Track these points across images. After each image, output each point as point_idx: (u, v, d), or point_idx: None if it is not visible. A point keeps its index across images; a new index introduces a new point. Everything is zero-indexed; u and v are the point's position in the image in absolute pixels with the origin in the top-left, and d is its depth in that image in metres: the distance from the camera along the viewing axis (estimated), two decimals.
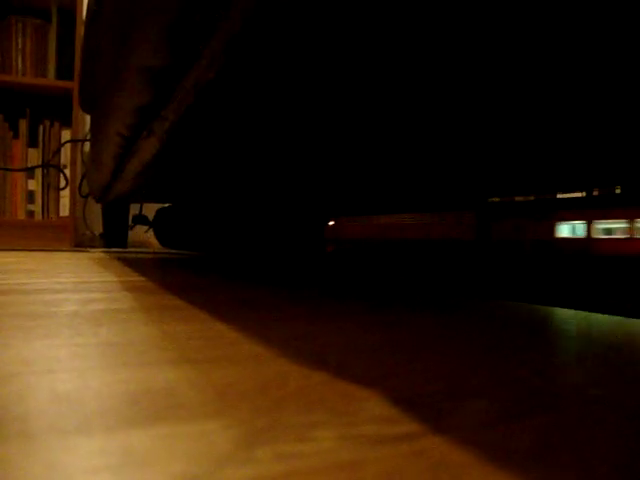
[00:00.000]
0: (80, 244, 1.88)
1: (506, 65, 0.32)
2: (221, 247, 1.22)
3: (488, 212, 0.52)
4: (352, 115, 0.42)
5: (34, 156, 1.76)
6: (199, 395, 0.16)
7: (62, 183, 1.78)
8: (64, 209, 1.79)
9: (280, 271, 0.61)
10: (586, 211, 0.43)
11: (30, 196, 1.76)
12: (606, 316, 0.31)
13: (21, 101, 1.80)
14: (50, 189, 1.77)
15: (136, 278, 0.57)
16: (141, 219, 1.73)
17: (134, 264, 0.86)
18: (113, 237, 1.65)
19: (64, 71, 1.77)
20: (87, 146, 1.71)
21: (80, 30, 1.68)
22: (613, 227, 0.39)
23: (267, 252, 1.03)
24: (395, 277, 0.54)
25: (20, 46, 1.72)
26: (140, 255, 1.21)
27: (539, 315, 0.33)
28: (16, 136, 1.75)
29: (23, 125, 1.75)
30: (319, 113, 0.45)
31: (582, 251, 0.40)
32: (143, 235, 2.01)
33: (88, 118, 1.80)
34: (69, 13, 1.76)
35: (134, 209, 1.85)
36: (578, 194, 0.47)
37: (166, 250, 1.60)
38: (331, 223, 0.85)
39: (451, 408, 0.15)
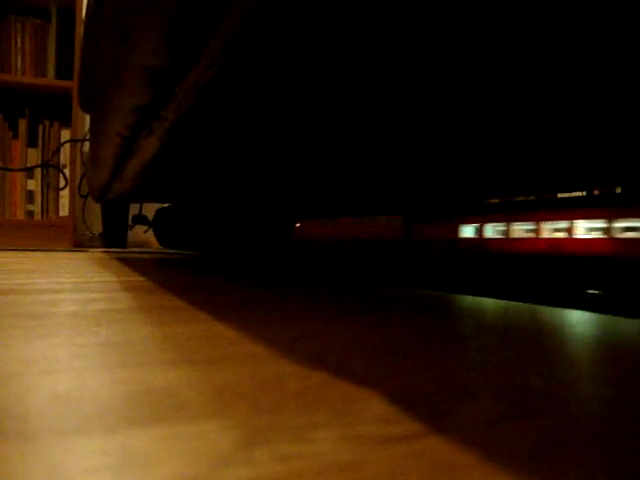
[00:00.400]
0: (80, 244, 1.88)
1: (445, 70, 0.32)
2: (218, 247, 1.27)
3: (411, 216, 0.64)
4: (338, 119, 0.42)
5: (33, 156, 1.76)
6: (199, 395, 0.16)
7: (61, 183, 1.78)
8: (63, 209, 1.79)
9: (261, 269, 0.68)
10: (481, 216, 0.55)
11: (29, 196, 1.76)
12: (492, 300, 0.39)
13: (20, 101, 1.80)
14: (49, 189, 1.77)
15: (136, 278, 0.57)
16: (141, 219, 1.73)
17: (134, 264, 0.86)
18: (113, 237, 1.65)
19: (64, 71, 1.77)
20: (87, 146, 1.71)
21: (80, 30, 1.68)
22: (504, 229, 0.51)
23: (247, 251, 1.14)
24: (344, 271, 0.64)
25: (20, 46, 1.72)
26: (140, 255, 1.21)
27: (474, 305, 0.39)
28: (15, 136, 1.75)
29: (22, 125, 1.75)
30: (305, 117, 0.44)
31: (478, 248, 0.51)
32: (143, 235, 2.01)
33: (87, 118, 1.80)
34: (69, 13, 1.76)
35: (134, 209, 1.85)
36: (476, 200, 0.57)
37: (166, 250, 1.60)
38: (297, 225, 0.97)
39: (451, 408, 0.15)
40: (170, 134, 0.52)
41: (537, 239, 0.46)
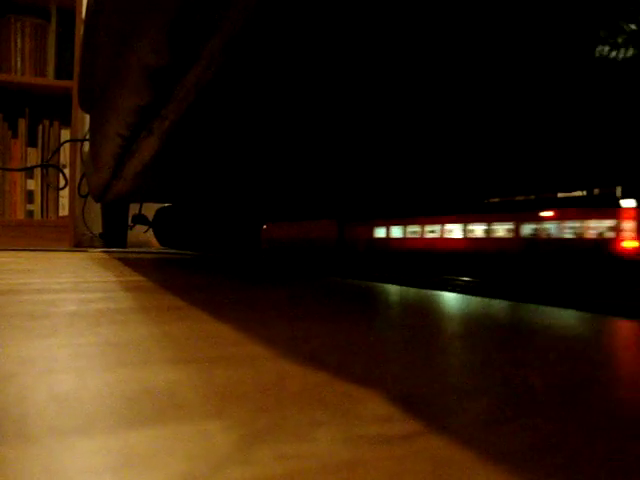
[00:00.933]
0: (79, 244, 1.88)
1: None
2: (213, 247, 1.34)
3: (342, 220, 0.81)
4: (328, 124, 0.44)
5: (33, 156, 1.76)
6: (199, 395, 0.16)
7: (61, 183, 1.78)
8: (63, 209, 1.79)
9: (241, 266, 0.79)
10: (388, 220, 0.70)
11: (29, 196, 1.76)
12: (404, 287, 0.49)
13: (20, 101, 1.80)
14: (49, 189, 1.77)
15: (135, 278, 0.57)
16: (141, 219, 1.73)
17: (133, 264, 0.86)
18: (112, 237, 1.65)
19: (63, 71, 1.77)
20: (86, 146, 1.71)
21: (80, 29, 1.68)
22: (408, 230, 0.67)
23: (229, 250, 1.31)
24: (299, 265, 0.79)
25: (19, 45, 1.72)
26: (139, 255, 1.21)
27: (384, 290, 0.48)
28: (15, 136, 1.75)
29: (22, 125, 1.75)
30: (293, 120, 0.45)
31: (385, 245, 0.68)
32: (143, 235, 2.01)
33: (87, 118, 1.80)
34: (69, 12, 1.76)
35: (134, 209, 1.85)
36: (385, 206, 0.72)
37: (166, 250, 1.60)
38: (264, 227, 1.13)
39: (452, 408, 0.15)
40: (170, 134, 0.52)
41: (421, 239, 0.64)
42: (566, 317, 0.30)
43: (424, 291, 0.46)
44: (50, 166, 1.74)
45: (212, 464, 0.11)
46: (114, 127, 0.61)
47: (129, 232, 1.74)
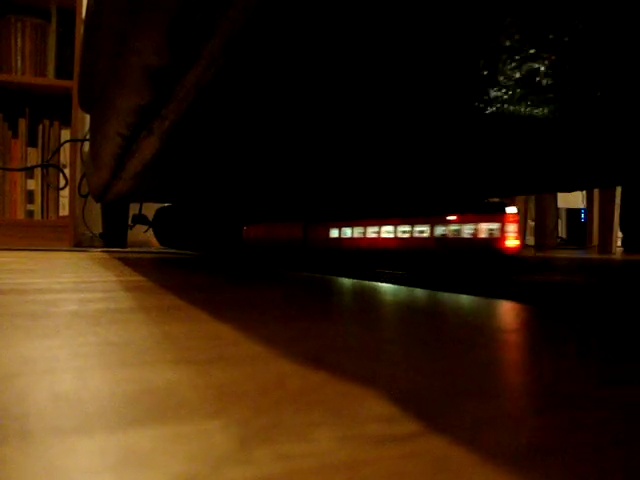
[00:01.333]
0: (80, 244, 1.88)
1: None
2: (213, 246, 1.43)
3: (306, 222, 0.93)
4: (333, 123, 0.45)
5: (33, 156, 1.76)
6: (199, 395, 0.16)
7: (62, 183, 1.78)
8: (63, 209, 1.79)
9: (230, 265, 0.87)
10: (339, 222, 0.82)
11: (29, 196, 1.76)
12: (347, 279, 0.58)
13: (20, 100, 1.80)
14: (49, 189, 1.77)
15: (136, 278, 0.57)
16: (141, 219, 1.73)
17: (134, 264, 0.86)
18: (113, 237, 1.65)
19: (63, 70, 1.77)
20: (87, 146, 1.71)
21: (80, 29, 1.68)
22: (354, 231, 0.79)
23: (219, 249, 1.43)
24: (274, 262, 0.93)
25: (19, 45, 1.72)
26: (139, 255, 1.21)
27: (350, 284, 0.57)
28: (15, 135, 1.75)
29: (22, 124, 1.75)
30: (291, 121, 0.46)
31: (338, 244, 0.80)
32: (143, 235, 2.01)
33: (87, 118, 1.80)
34: (69, 12, 1.76)
35: (134, 209, 1.85)
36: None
37: (166, 250, 1.60)
38: (245, 228, 1.25)
39: (452, 408, 0.15)
40: (170, 134, 0.52)
41: (364, 239, 0.77)
42: (464, 301, 0.40)
43: (365, 282, 0.55)
44: (50, 166, 1.74)
45: (212, 464, 0.11)
46: (114, 127, 0.61)
47: (129, 232, 1.74)
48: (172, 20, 0.32)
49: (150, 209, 1.93)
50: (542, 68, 0.31)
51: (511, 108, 0.38)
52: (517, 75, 0.32)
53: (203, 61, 0.34)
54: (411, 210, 0.68)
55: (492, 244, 0.56)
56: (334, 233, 0.83)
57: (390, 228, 0.70)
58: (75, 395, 0.16)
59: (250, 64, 0.33)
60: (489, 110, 0.39)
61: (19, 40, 1.72)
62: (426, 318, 0.32)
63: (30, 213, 1.76)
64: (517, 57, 0.29)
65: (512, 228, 0.57)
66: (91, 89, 0.74)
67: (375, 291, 0.46)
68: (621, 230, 1.84)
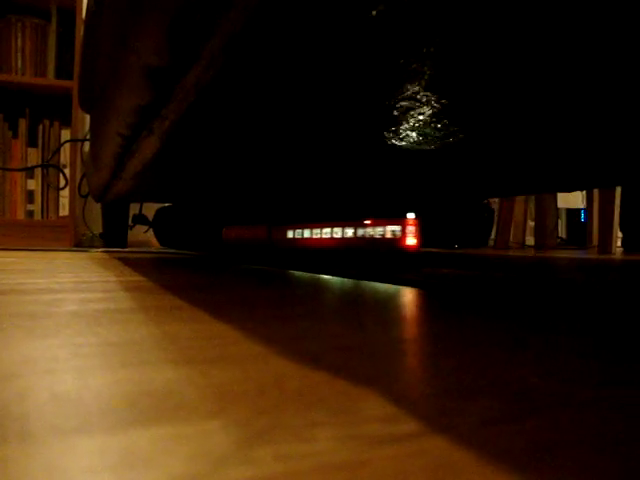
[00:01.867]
0: (80, 244, 1.88)
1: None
2: (209, 246, 1.53)
3: (270, 224, 1.08)
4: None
5: (34, 156, 1.76)
6: (199, 395, 0.16)
7: (62, 183, 1.78)
8: (64, 209, 1.79)
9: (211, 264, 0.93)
10: (295, 225, 0.96)
11: (30, 196, 1.76)
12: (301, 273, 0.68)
13: (21, 101, 1.80)
14: (50, 189, 1.77)
15: (136, 278, 0.57)
16: (141, 219, 1.73)
17: (134, 264, 0.86)
18: (113, 237, 1.65)
19: (64, 71, 1.77)
20: (87, 146, 1.71)
21: (80, 30, 1.68)
22: (305, 232, 0.94)
23: (203, 248, 1.57)
24: (248, 260, 1.01)
25: (20, 45, 1.72)
26: (139, 255, 1.21)
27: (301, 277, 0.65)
28: (15, 136, 1.75)
29: (22, 125, 1.75)
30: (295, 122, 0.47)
31: (292, 243, 0.94)
32: (143, 235, 2.01)
33: (88, 118, 1.80)
34: (69, 12, 1.76)
35: (134, 209, 1.85)
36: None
37: (166, 250, 1.60)
38: (224, 229, 1.38)
39: (451, 407, 0.15)
40: (170, 134, 0.52)
41: (312, 238, 0.91)
42: (378, 287, 0.52)
43: (315, 275, 0.67)
44: (50, 166, 1.74)
45: (212, 464, 0.11)
46: (114, 127, 0.61)
47: (129, 232, 1.74)
48: (172, 20, 0.32)
49: (150, 209, 1.93)
50: (428, 115, 0.45)
51: (410, 142, 0.56)
52: (411, 121, 0.47)
53: (203, 61, 0.34)
54: (342, 215, 0.89)
55: (395, 243, 0.72)
56: (290, 234, 1.01)
57: (328, 230, 0.89)
58: (75, 395, 0.16)
59: (250, 64, 0.33)
60: (401, 144, 0.57)
61: (19, 40, 1.72)
62: (347, 300, 0.41)
63: (30, 213, 1.76)
64: (414, 113, 0.44)
65: (411, 230, 0.71)
66: (91, 89, 0.74)
67: (318, 282, 0.58)
68: (621, 230, 1.84)
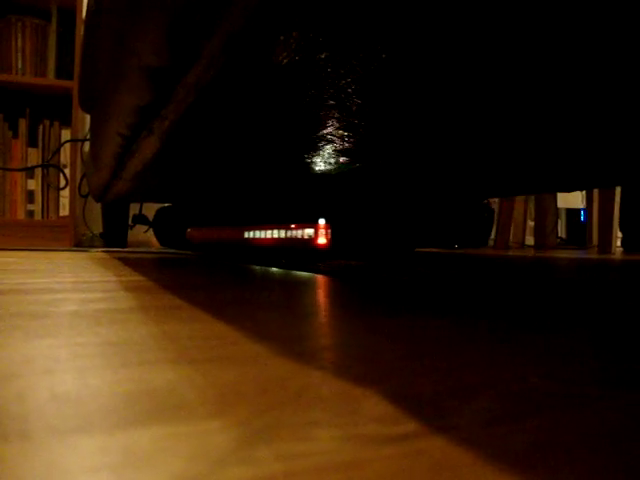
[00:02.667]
0: (80, 244, 1.88)
1: None
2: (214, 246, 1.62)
3: (241, 226, 1.22)
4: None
5: (34, 156, 1.76)
6: (199, 395, 0.16)
7: (62, 183, 1.78)
8: (64, 209, 1.79)
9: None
10: (245, 226, 1.14)
11: (30, 196, 1.76)
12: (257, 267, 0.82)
13: (21, 101, 1.80)
14: (50, 189, 1.77)
15: (136, 278, 0.57)
16: (141, 219, 1.73)
17: (134, 264, 0.86)
18: (113, 237, 1.65)
19: (64, 70, 1.77)
20: (87, 146, 1.71)
21: (80, 30, 1.68)
22: (252, 233, 1.13)
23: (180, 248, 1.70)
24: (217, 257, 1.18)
25: (20, 45, 1.72)
26: (140, 255, 1.21)
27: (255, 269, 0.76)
28: (16, 136, 1.75)
29: (23, 125, 1.75)
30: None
31: (248, 242, 1.13)
32: (143, 235, 2.01)
33: (88, 118, 1.80)
34: (69, 12, 1.76)
35: (134, 209, 1.85)
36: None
37: (166, 250, 1.60)
38: (188, 230, 1.49)
39: (451, 408, 0.15)
40: (170, 134, 0.52)
41: (258, 238, 1.09)
42: (297, 274, 0.67)
43: (263, 267, 0.83)
44: (50, 166, 1.74)
45: (212, 463, 0.11)
46: (114, 127, 0.61)
47: (129, 232, 1.74)
48: (172, 20, 0.32)
49: (150, 209, 1.93)
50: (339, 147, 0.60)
51: (322, 168, 0.77)
52: (324, 153, 0.64)
53: (203, 61, 0.34)
54: (275, 220, 1.10)
55: (311, 242, 0.94)
56: (248, 234, 1.23)
57: (267, 231, 1.09)
58: (75, 395, 0.16)
59: (250, 64, 0.33)
60: (316, 169, 0.79)
61: (19, 40, 1.72)
62: (275, 282, 0.56)
63: (30, 213, 1.76)
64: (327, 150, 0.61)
65: (322, 232, 0.94)
66: (91, 89, 0.74)
67: (262, 271, 0.73)
68: (621, 230, 1.84)
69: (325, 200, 1.04)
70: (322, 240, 0.91)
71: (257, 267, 0.82)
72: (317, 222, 0.93)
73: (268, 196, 1.14)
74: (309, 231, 0.94)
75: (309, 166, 0.75)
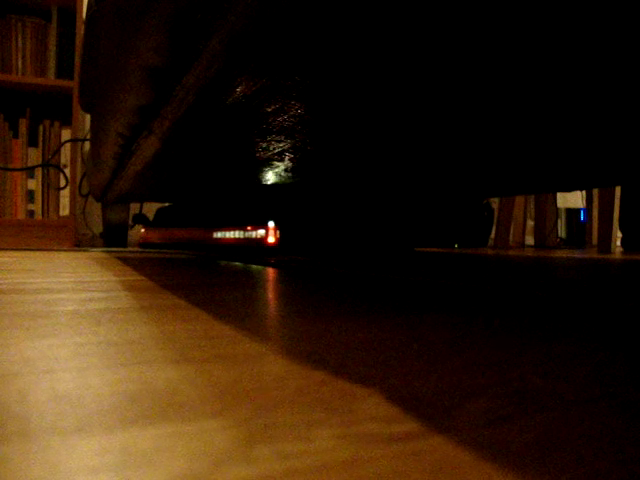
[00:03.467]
0: (80, 243, 1.88)
1: None
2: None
3: (205, 227, 1.42)
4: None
5: (34, 156, 1.76)
6: (199, 394, 0.16)
7: (62, 183, 1.78)
8: (64, 209, 1.79)
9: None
10: (213, 228, 1.36)
11: (30, 196, 1.76)
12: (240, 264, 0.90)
13: (21, 100, 1.80)
14: (50, 189, 1.77)
15: (136, 277, 0.57)
16: (141, 219, 1.73)
17: (134, 263, 0.86)
18: (113, 237, 1.65)
19: (64, 70, 1.77)
20: (87, 145, 1.71)
21: (80, 30, 1.68)
22: (217, 234, 1.35)
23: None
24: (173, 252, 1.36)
25: (20, 45, 1.72)
26: (140, 255, 1.21)
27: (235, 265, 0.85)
28: (16, 136, 1.75)
29: (23, 125, 1.75)
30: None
31: (214, 241, 1.37)
32: None
33: (88, 117, 1.80)
34: (69, 12, 1.76)
35: (134, 209, 1.85)
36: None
37: (166, 250, 1.60)
38: (142, 230, 1.62)
39: (451, 407, 0.15)
40: (170, 133, 0.52)
41: (222, 237, 1.29)
42: (252, 267, 0.79)
43: (229, 262, 0.94)
44: (51, 166, 1.74)
45: (212, 463, 0.11)
46: (115, 127, 0.61)
47: (129, 232, 1.75)
48: (172, 20, 0.32)
49: (150, 209, 1.93)
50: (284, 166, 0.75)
51: (272, 179, 0.95)
52: (273, 169, 0.80)
53: (203, 61, 0.34)
54: (236, 223, 1.27)
55: (262, 241, 1.13)
56: (214, 235, 1.37)
57: (228, 232, 1.27)
58: (75, 394, 0.16)
59: (250, 64, 0.33)
60: (266, 181, 0.99)
61: (20, 40, 1.72)
62: (233, 271, 0.64)
63: (31, 213, 1.76)
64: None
65: (271, 233, 1.12)
66: (91, 89, 0.74)
67: (225, 264, 0.86)
68: (620, 229, 1.84)
69: (275, 206, 1.21)
70: (271, 239, 1.11)
71: (224, 262, 0.94)
72: (267, 224, 1.12)
73: (230, 201, 1.36)
74: (261, 232, 1.13)
75: (263, 178, 0.95)
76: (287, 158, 0.67)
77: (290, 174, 0.83)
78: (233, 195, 1.30)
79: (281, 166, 0.75)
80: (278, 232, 1.10)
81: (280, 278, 0.59)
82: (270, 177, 0.92)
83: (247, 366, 0.20)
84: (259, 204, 1.23)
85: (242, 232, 1.19)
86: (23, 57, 1.72)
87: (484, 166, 0.70)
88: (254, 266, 0.81)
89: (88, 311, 0.32)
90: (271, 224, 1.11)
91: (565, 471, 0.11)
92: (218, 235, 1.31)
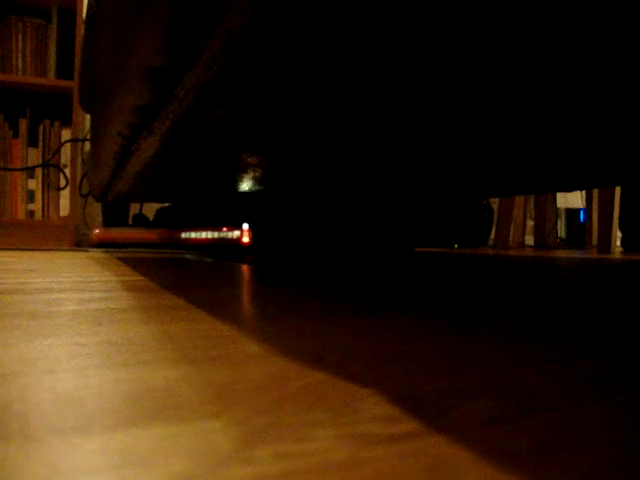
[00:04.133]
0: (80, 244, 1.88)
1: None
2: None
3: (171, 228, 1.55)
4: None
5: (34, 156, 1.76)
6: (199, 394, 0.16)
7: (62, 183, 1.78)
8: (64, 209, 1.79)
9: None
10: (185, 229, 1.46)
11: (30, 196, 1.76)
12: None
13: (21, 101, 1.80)
14: (50, 189, 1.77)
15: (136, 277, 0.57)
16: (141, 219, 1.73)
17: (134, 264, 0.86)
18: None
19: (64, 70, 1.77)
20: (87, 146, 1.71)
21: (80, 30, 1.68)
22: (189, 234, 1.45)
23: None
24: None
25: (20, 46, 1.72)
26: (140, 255, 1.21)
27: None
28: (16, 135, 1.75)
29: (23, 125, 1.75)
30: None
31: (185, 241, 1.46)
32: None
33: (88, 117, 1.80)
34: (69, 13, 1.76)
35: (134, 209, 1.85)
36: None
37: (166, 250, 1.60)
38: (96, 230, 1.61)
39: (451, 407, 0.15)
40: (170, 133, 0.52)
41: (194, 237, 1.40)
42: (229, 264, 0.87)
43: (201, 257, 1.05)
44: (51, 166, 1.74)
45: (212, 463, 0.11)
46: (115, 127, 0.61)
47: None
48: (172, 20, 0.32)
49: (150, 209, 1.92)
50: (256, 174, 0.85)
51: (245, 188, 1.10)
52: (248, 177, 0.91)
53: (203, 61, 0.34)
54: (213, 224, 1.36)
55: (237, 241, 1.23)
56: (182, 235, 1.48)
57: (205, 232, 1.36)
58: (76, 394, 0.16)
59: (250, 64, 0.33)
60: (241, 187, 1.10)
61: (20, 40, 1.72)
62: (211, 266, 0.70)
63: (31, 213, 1.76)
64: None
65: (245, 234, 1.23)
66: (91, 89, 0.74)
67: (201, 260, 0.96)
68: (620, 229, 1.84)
69: (249, 210, 1.34)
70: (246, 239, 1.24)
71: (209, 259, 1.03)
72: (242, 226, 1.25)
73: (210, 204, 1.49)
74: (236, 232, 1.25)
75: (238, 186, 1.09)
76: (260, 168, 0.76)
77: (261, 182, 0.93)
78: (213, 200, 1.45)
79: (249, 175, 0.85)
80: (251, 233, 1.24)
81: (268, 278, 0.60)
82: (246, 183, 1.01)
83: (247, 366, 0.20)
84: (235, 208, 1.36)
85: (219, 233, 1.32)
86: (23, 57, 1.72)
87: (484, 166, 0.70)
88: (237, 264, 0.89)
89: (88, 311, 0.32)
90: (245, 226, 1.23)
91: (565, 471, 0.11)
92: (202, 235, 1.42)
